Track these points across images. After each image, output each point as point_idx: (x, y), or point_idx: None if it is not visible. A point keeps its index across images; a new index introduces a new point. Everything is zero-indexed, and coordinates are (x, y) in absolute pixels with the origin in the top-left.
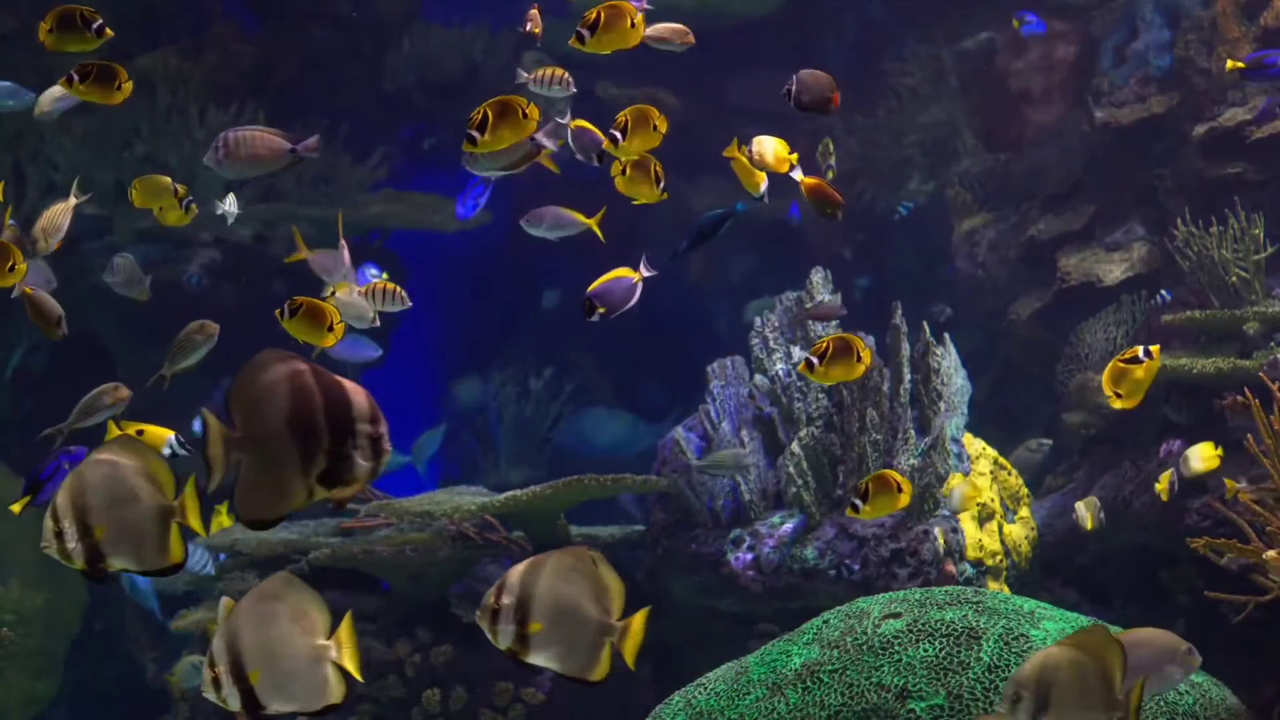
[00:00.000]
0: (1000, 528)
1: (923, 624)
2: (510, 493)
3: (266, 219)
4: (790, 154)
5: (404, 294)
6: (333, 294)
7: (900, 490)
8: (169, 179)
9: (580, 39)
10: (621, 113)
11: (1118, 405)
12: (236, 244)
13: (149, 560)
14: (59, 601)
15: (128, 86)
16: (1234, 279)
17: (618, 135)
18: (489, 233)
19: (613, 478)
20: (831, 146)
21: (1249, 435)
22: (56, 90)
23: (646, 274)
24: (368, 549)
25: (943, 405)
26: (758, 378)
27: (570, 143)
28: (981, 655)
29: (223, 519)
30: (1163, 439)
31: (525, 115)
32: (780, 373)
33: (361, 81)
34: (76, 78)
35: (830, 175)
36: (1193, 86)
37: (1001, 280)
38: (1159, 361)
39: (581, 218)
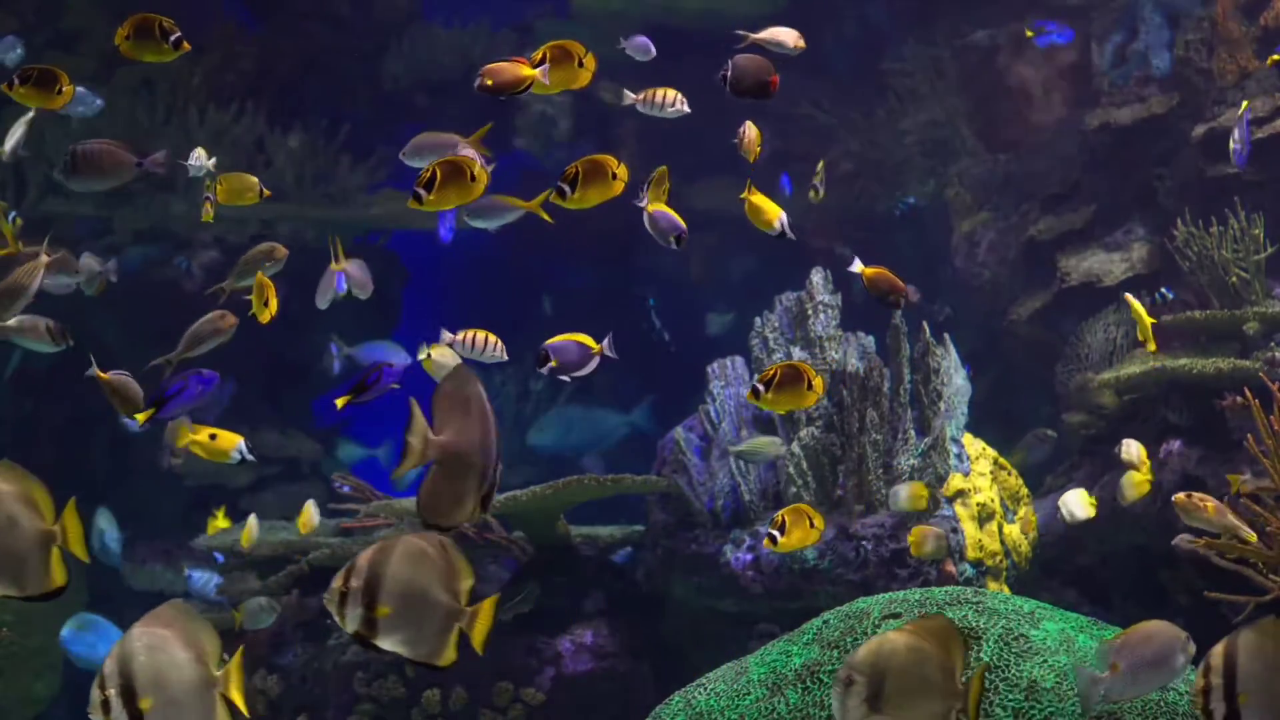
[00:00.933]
0: (1000, 528)
1: None
2: (510, 493)
3: (265, 218)
4: (758, 146)
5: (502, 346)
6: (429, 356)
7: (814, 525)
8: (255, 178)
9: (561, 194)
10: (573, 164)
11: (1153, 348)
12: (236, 244)
13: (30, 585)
14: (59, 601)
15: (69, 90)
16: (1234, 279)
17: (566, 188)
18: (488, 233)
19: (612, 478)
20: (822, 169)
21: (1249, 435)
22: (14, 127)
23: (607, 353)
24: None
25: (942, 405)
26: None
27: (646, 225)
28: (981, 655)
29: (219, 521)
30: (1162, 440)
31: (473, 178)
32: None
33: (361, 81)
34: (17, 81)
35: (814, 196)
36: (1193, 86)
37: (1001, 280)
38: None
39: (520, 203)
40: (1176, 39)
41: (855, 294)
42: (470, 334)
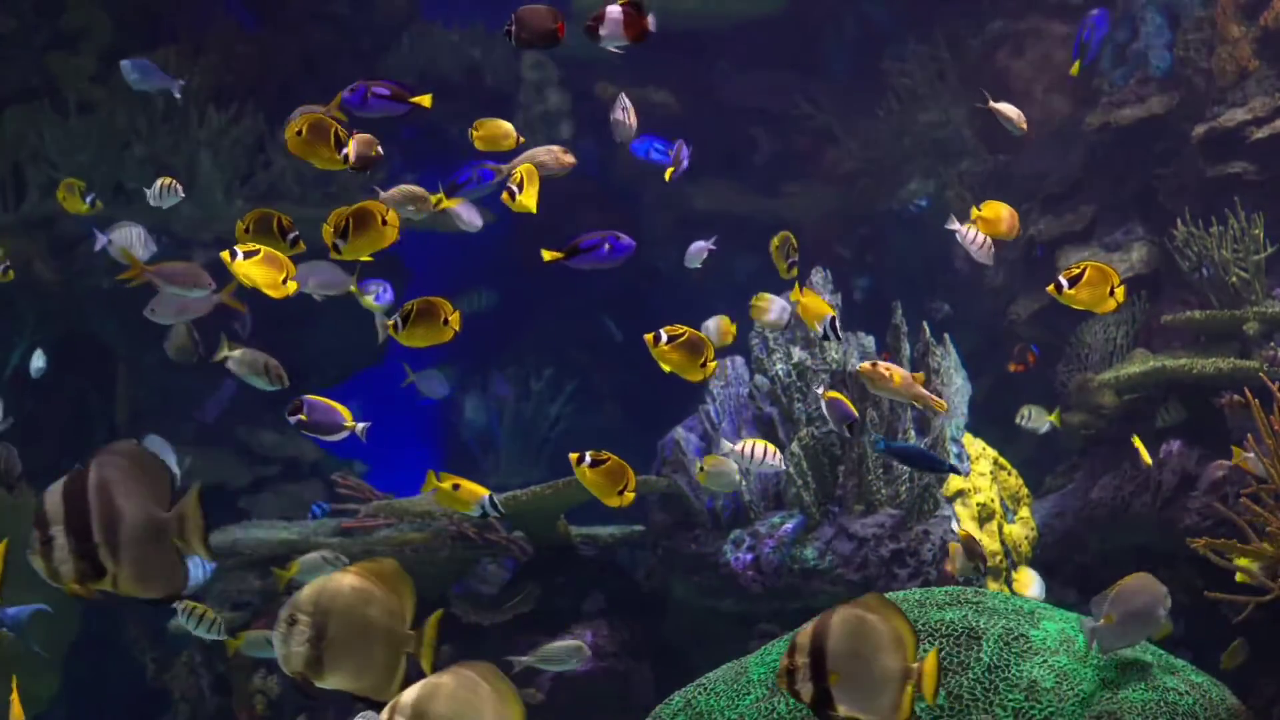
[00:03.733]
0: (1000, 528)
1: (923, 624)
2: (510, 493)
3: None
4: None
5: (781, 456)
6: (702, 469)
7: (625, 492)
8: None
9: (336, 249)
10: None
11: (1110, 308)
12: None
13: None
14: (58, 601)
15: None
16: (1234, 279)
17: (339, 242)
18: (490, 232)
19: None
20: (795, 242)
21: (1249, 435)
22: None
23: (358, 429)
24: (368, 549)
25: None
26: (758, 378)
27: (825, 411)
28: (981, 655)
29: None
30: (1162, 440)
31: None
32: (780, 373)
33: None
34: None
35: (794, 272)
36: (1193, 86)
37: (1001, 280)
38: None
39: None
40: (1176, 39)
41: (856, 294)
42: (750, 444)
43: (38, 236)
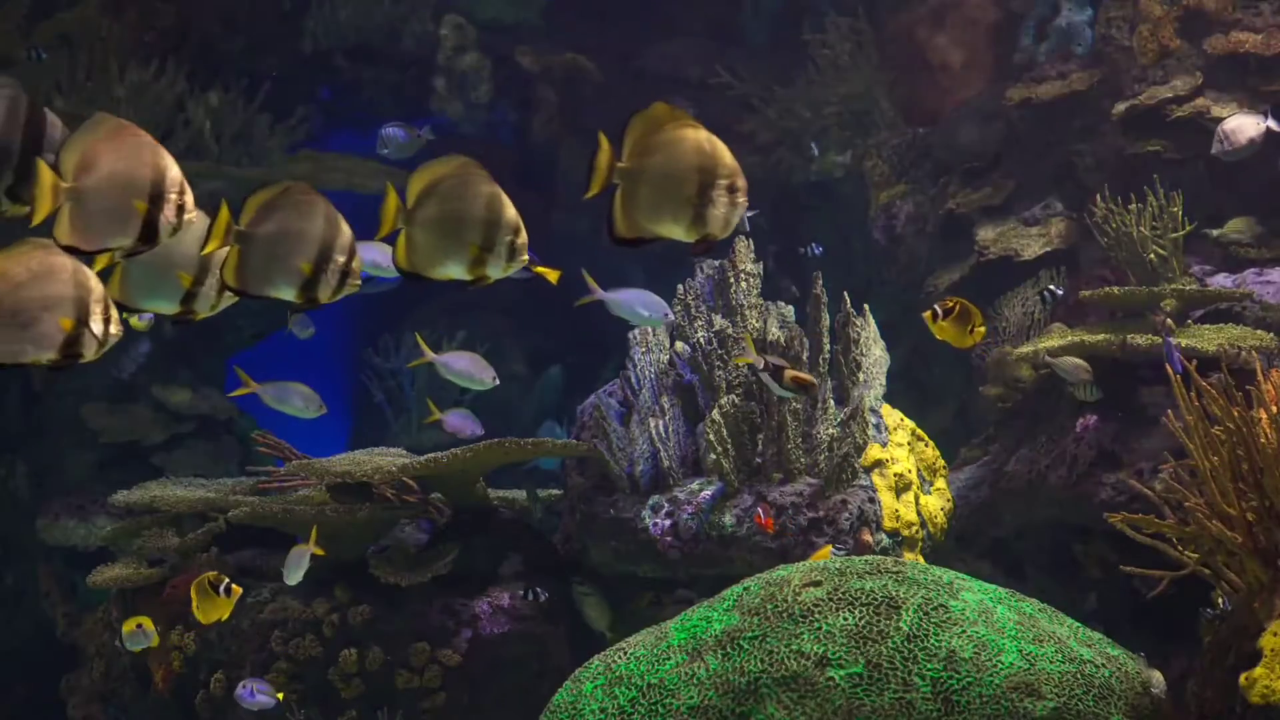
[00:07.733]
0: (917, 498)
1: (843, 593)
2: (430, 455)
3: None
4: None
5: None
6: None
7: None
8: None
9: None
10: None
11: (968, 344)
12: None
13: None
14: None
15: None
16: (1152, 256)
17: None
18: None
19: (533, 441)
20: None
21: (1169, 411)
22: None
23: None
24: (288, 508)
25: (861, 376)
26: (679, 344)
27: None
28: (901, 625)
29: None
30: (1079, 414)
31: None
32: (701, 340)
33: (281, 41)
34: None
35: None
36: (1114, 64)
37: (919, 252)
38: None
39: None
40: (1099, 16)
41: (770, 263)
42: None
43: (41, 234)
